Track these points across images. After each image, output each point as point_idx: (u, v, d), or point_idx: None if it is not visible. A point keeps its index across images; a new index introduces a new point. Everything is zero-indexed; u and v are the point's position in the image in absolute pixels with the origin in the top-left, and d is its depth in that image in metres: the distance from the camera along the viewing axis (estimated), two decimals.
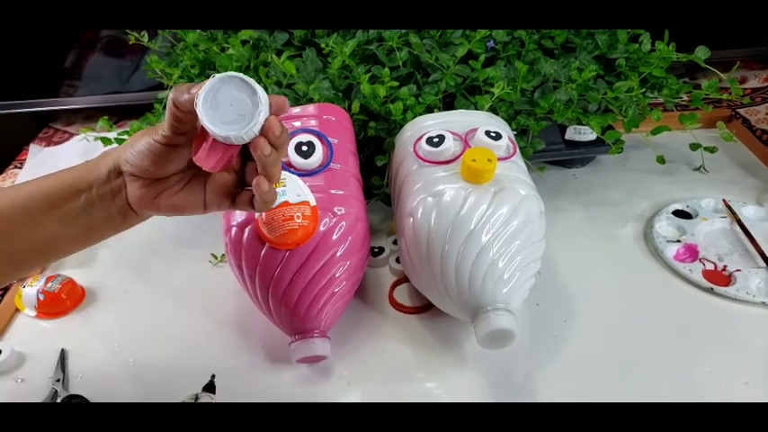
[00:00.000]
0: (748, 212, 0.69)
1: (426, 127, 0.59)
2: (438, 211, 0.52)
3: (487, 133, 0.55)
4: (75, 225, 0.43)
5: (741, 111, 0.90)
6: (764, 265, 0.61)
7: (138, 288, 0.66)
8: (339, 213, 0.53)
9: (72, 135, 1.00)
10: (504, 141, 0.55)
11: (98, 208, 0.43)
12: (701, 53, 0.68)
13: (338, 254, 0.53)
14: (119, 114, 1.00)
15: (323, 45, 0.68)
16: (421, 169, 0.56)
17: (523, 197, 0.52)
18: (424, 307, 0.60)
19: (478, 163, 0.51)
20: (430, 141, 0.56)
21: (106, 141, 0.74)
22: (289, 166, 0.54)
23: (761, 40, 0.96)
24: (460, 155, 0.54)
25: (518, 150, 0.58)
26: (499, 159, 0.53)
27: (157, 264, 0.69)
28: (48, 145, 0.98)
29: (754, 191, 0.74)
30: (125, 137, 0.73)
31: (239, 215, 0.53)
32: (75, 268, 0.68)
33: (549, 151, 0.75)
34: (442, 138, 0.55)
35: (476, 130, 0.56)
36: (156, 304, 0.64)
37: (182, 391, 0.54)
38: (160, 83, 0.77)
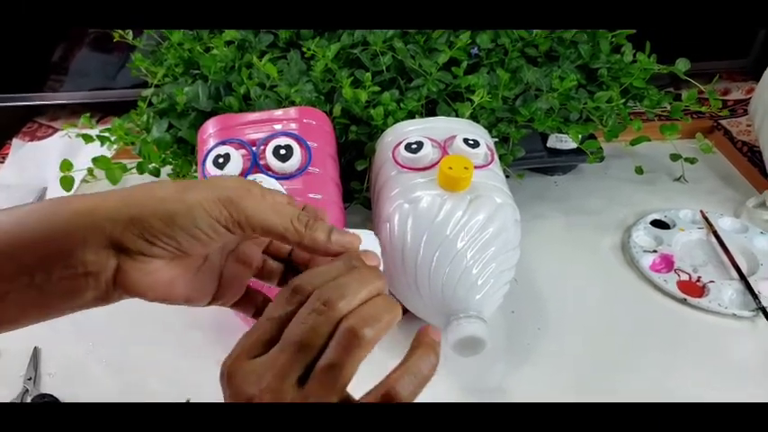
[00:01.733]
0: (725, 224, 0.69)
1: (406, 133, 0.59)
2: (414, 218, 0.52)
3: (465, 141, 0.55)
4: (12, 311, 0.30)
5: (723, 122, 0.91)
6: (737, 276, 0.61)
7: None
8: None
9: (56, 130, 1.00)
10: (483, 149, 0.56)
11: (56, 293, 0.29)
12: (682, 65, 0.68)
13: None
14: (104, 110, 1.00)
15: (305, 49, 0.68)
16: (399, 175, 0.56)
17: (499, 205, 0.52)
18: None
19: (455, 171, 0.51)
20: (409, 148, 0.56)
21: (87, 138, 0.73)
22: (266, 170, 0.54)
23: (744, 52, 0.96)
24: (438, 162, 0.54)
25: (496, 158, 0.58)
26: (476, 167, 0.53)
27: None
28: (31, 140, 0.98)
29: (731, 202, 0.75)
30: (107, 134, 0.73)
31: None
32: None
33: (531, 158, 0.75)
34: (420, 144, 0.56)
35: (454, 137, 0.56)
36: (133, 301, 0.63)
37: (155, 392, 0.54)
38: (145, 81, 0.77)
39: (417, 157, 0.55)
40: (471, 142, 0.55)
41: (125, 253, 0.29)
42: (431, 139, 0.56)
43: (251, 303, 0.38)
